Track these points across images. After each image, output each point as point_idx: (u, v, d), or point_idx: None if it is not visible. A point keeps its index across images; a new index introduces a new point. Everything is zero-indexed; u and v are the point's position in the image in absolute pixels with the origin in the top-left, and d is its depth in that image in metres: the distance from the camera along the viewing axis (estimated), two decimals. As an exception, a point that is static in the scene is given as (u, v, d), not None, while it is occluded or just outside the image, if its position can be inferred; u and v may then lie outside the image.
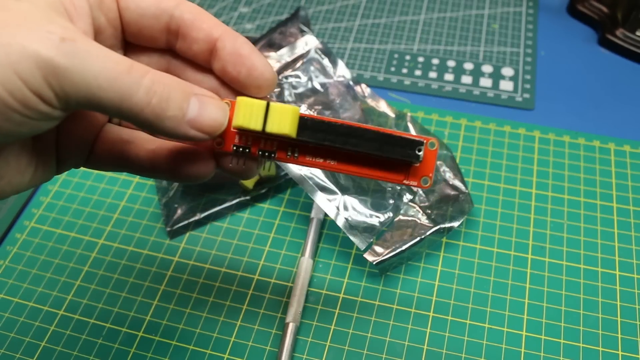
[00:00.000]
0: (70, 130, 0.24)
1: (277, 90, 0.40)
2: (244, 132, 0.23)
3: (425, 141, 0.23)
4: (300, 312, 0.35)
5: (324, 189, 0.37)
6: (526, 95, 0.48)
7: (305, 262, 0.37)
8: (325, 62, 0.41)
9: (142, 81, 0.20)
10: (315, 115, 0.23)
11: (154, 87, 0.20)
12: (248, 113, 0.22)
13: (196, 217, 0.40)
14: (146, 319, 0.36)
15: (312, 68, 0.41)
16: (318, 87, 0.40)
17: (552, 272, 0.37)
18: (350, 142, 0.23)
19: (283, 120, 0.22)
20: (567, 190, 0.41)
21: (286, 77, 0.40)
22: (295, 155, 0.24)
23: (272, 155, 0.24)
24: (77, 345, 0.35)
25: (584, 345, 0.34)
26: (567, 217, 0.40)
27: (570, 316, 0.35)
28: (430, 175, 0.24)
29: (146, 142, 0.24)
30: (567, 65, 0.51)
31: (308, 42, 0.41)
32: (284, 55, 0.41)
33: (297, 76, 0.40)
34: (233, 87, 0.24)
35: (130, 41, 0.24)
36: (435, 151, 0.24)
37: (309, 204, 0.41)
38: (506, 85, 0.49)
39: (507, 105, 0.48)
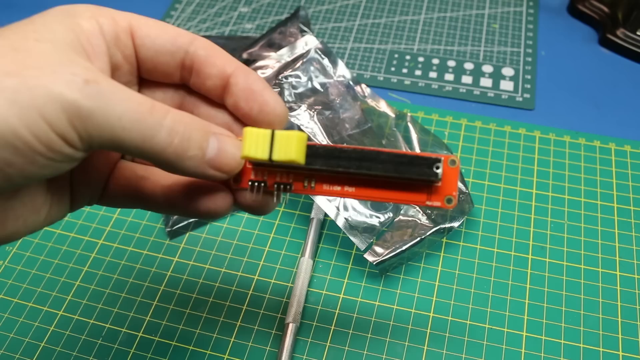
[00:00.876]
0: (84, 168, 0.23)
1: (277, 90, 0.39)
2: (257, 166, 0.23)
3: (443, 158, 0.22)
4: (300, 312, 0.35)
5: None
6: (526, 95, 0.48)
7: (305, 262, 0.37)
8: (325, 62, 0.41)
9: (164, 122, 0.20)
10: (326, 143, 0.23)
11: (175, 127, 0.20)
12: (254, 143, 0.22)
13: (196, 217, 0.40)
14: (146, 319, 0.36)
15: (312, 68, 0.41)
16: (318, 87, 0.40)
17: (553, 273, 0.37)
18: (364, 165, 0.22)
19: (289, 147, 0.21)
20: (568, 190, 0.41)
21: (286, 77, 0.40)
22: (312, 185, 0.23)
23: (289, 187, 0.23)
24: (76, 345, 0.35)
25: (585, 346, 0.34)
26: (568, 218, 0.40)
27: (570, 316, 0.35)
28: (454, 194, 0.23)
29: (161, 178, 0.24)
30: (568, 65, 0.51)
31: (308, 42, 0.41)
32: (283, 55, 0.41)
33: (297, 76, 0.40)
34: (245, 122, 0.24)
35: (145, 77, 0.24)
36: (456, 169, 0.22)
37: (309, 204, 0.41)
38: (506, 85, 0.49)
39: (507, 105, 0.47)
